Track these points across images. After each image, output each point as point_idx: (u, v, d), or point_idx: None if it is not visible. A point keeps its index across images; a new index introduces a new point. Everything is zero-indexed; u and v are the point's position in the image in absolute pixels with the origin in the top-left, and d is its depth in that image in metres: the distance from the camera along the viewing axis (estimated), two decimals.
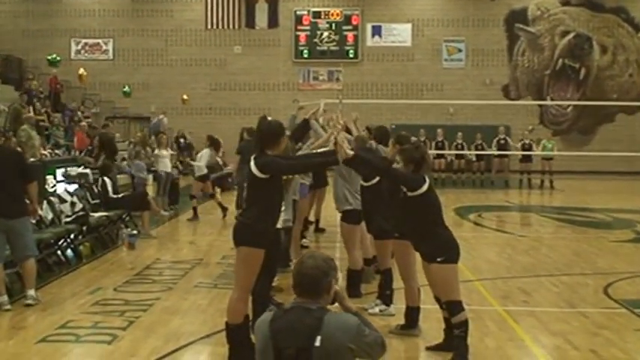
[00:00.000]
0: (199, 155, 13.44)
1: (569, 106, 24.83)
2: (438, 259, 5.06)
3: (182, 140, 22.22)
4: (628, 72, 24.96)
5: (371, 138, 7.84)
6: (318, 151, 6.39)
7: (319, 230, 11.09)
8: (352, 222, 6.88)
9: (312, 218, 10.98)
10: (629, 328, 6.09)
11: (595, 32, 24.79)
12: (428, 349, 5.47)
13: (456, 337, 5.07)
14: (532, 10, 24.90)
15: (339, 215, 7.25)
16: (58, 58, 21.63)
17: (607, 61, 24.87)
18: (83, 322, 6.15)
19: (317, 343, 2.76)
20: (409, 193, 5.14)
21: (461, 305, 5.09)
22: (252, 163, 4.90)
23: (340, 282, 3.02)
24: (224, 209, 12.63)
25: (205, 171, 12.99)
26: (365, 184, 6.43)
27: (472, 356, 5.31)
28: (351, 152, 4.88)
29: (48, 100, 19.74)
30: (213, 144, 13.15)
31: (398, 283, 6.24)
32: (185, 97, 24.42)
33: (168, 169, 13.61)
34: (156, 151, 13.99)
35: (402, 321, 5.92)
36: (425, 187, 5.10)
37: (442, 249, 5.08)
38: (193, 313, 6.48)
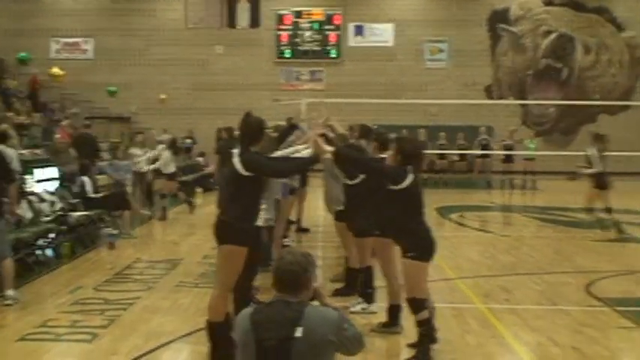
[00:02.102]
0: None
1: (551, 106, 25.00)
2: (409, 255, 5.04)
3: (188, 141, 22.11)
4: (611, 72, 25.17)
5: (356, 137, 7.82)
6: (300, 147, 6.38)
7: (302, 230, 11.06)
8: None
9: (293, 218, 10.95)
10: (612, 326, 6.12)
11: (578, 32, 24.96)
12: (409, 346, 5.45)
13: (419, 335, 5.07)
14: (514, 10, 25.04)
15: (322, 215, 7.25)
16: (29, 57, 21.35)
17: (590, 61, 25.06)
18: (63, 321, 6.10)
19: (298, 334, 2.76)
20: (392, 187, 5.11)
21: (422, 304, 5.05)
22: (235, 160, 4.85)
23: (320, 280, 3.03)
24: (191, 204, 12.68)
25: (174, 169, 12.97)
26: (349, 182, 6.42)
27: (453, 353, 5.33)
28: (330, 148, 4.89)
29: (28, 99, 19.49)
30: (172, 147, 13.27)
31: (380, 280, 6.23)
32: (162, 96, 24.23)
33: (143, 169, 13.47)
34: (130, 150, 13.85)
35: (384, 319, 5.91)
36: (407, 182, 5.06)
37: (415, 245, 5.05)
38: (174, 312, 6.44)
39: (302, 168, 5.37)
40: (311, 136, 5.42)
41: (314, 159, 5.04)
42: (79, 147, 13.54)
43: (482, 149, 20.26)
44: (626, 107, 24.38)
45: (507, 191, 19.80)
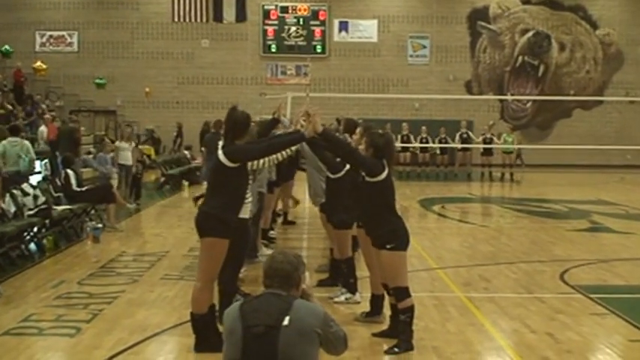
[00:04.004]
0: None
1: (528, 101, 25.43)
2: (387, 247, 5.14)
3: (174, 134, 22.21)
4: (585, 69, 25.70)
5: (340, 131, 7.93)
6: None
7: (288, 223, 11.14)
8: None
9: (279, 211, 11.03)
10: (585, 313, 6.31)
11: (554, 30, 25.45)
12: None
13: (401, 323, 5.19)
14: (493, 9, 25.44)
15: (308, 207, 7.32)
16: (11, 50, 21.15)
17: (565, 58, 25.58)
18: (46, 315, 6.08)
19: (285, 323, 2.87)
20: (367, 179, 5.21)
21: (407, 291, 5.19)
22: (220, 153, 4.92)
23: (308, 280, 3.14)
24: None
25: None
26: (332, 176, 6.51)
27: (434, 340, 5.47)
28: (321, 127, 4.95)
29: (12, 92, 19.37)
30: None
31: (364, 271, 6.34)
32: (147, 89, 24.13)
33: (129, 162, 13.46)
34: (116, 143, 13.82)
35: (367, 309, 6.03)
36: (384, 175, 5.17)
37: (391, 236, 5.15)
38: (159, 305, 6.45)
39: (289, 144, 5.23)
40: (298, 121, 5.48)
41: (301, 137, 5.03)
42: (59, 140, 13.52)
43: (463, 143, 20.53)
44: (600, 102, 24.95)
45: (487, 183, 20.05)
